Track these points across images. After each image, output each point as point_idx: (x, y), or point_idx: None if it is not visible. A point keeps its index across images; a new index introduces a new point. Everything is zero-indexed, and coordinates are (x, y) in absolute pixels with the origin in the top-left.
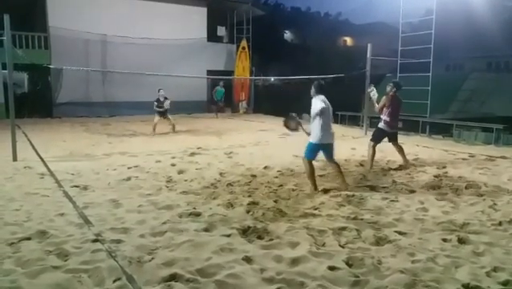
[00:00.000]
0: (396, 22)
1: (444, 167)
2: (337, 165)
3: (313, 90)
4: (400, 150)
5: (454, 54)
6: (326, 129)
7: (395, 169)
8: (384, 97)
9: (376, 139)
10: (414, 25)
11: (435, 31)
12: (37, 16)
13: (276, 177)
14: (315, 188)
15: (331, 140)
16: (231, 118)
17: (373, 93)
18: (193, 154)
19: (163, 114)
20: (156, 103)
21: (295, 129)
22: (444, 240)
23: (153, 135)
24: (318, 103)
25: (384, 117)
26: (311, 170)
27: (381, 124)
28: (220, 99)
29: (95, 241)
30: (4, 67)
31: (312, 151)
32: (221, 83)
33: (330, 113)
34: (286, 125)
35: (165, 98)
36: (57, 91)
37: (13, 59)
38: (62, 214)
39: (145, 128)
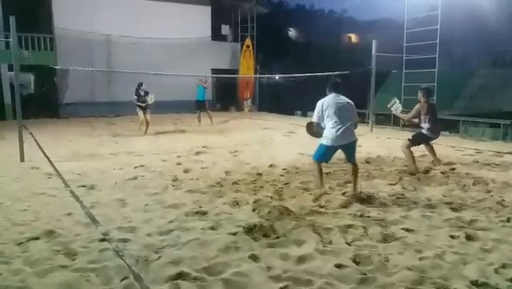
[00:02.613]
0: (401, 17)
1: (451, 163)
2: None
3: (327, 89)
4: (432, 150)
5: (460, 49)
6: (332, 129)
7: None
8: (418, 105)
9: (416, 143)
10: (419, 20)
11: (441, 26)
12: (42, 17)
13: (282, 175)
14: (321, 186)
15: (342, 141)
16: (235, 118)
17: (395, 106)
18: (198, 153)
19: (144, 109)
20: (135, 97)
21: (316, 133)
22: (452, 237)
23: (144, 134)
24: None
25: (425, 125)
26: (319, 169)
27: (425, 131)
28: (202, 99)
29: (102, 240)
30: (11, 69)
31: (319, 152)
32: (204, 80)
33: (338, 111)
34: (309, 131)
35: (146, 92)
36: (63, 92)
37: (19, 61)
38: (69, 214)
39: (151, 127)
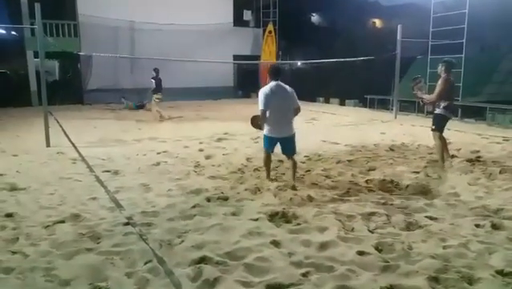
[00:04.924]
0: (428, 1)
1: (477, 151)
2: (293, 162)
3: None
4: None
5: (489, 34)
6: (273, 121)
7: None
8: (440, 81)
9: (440, 127)
10: (446, 4)
11: (469, 10)
12: (67, 4)
13: (303, 162)
14: (268, 175)
15: (282, 133)
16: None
17: (420, 85)
18: (220, 140)
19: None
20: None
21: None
22: (477, 226)
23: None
24: (261, 91)
25: (442, 103)
26: (267, 159)
27: (441, 110)
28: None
29: (126, 224)
30: (36, 56)
31: (265, 142)
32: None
33: (281, 101)
34: (254, 124)
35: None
36: (87, 78)
37: (44, 47)
38: (94, 198)
39: (173, 113)
